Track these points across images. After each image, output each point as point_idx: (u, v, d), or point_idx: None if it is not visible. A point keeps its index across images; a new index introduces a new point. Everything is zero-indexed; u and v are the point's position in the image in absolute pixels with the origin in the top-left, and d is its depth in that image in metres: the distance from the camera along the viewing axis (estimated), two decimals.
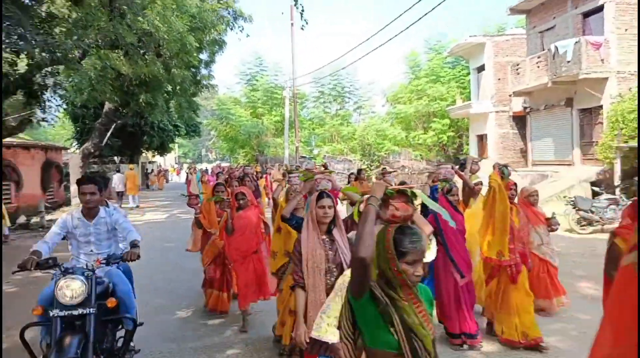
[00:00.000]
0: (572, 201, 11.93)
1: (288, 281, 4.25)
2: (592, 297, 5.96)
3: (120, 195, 20.12)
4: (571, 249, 9.46)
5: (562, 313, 5.53)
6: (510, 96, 20.96)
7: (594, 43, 15.49)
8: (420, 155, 28.74)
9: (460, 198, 5.25)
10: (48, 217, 15.36)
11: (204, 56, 18.84)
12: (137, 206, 19.64)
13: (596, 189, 13.53)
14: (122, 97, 16.49)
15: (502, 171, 5.00)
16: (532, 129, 20.41)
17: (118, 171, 21.30)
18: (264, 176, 17.34)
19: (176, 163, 59.06)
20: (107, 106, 19.41)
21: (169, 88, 18.62)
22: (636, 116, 14.41)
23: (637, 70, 15.69)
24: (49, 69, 12.57)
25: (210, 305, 5.90)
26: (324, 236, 3.26)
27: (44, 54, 11.28)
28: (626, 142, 14.50)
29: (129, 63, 13.19)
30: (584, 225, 11.52)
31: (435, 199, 6.07)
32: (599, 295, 6.50)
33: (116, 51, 13.31)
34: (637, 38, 14.81)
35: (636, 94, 14.78)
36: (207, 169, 22.68)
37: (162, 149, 31.65)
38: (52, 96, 13.75)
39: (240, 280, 5.32)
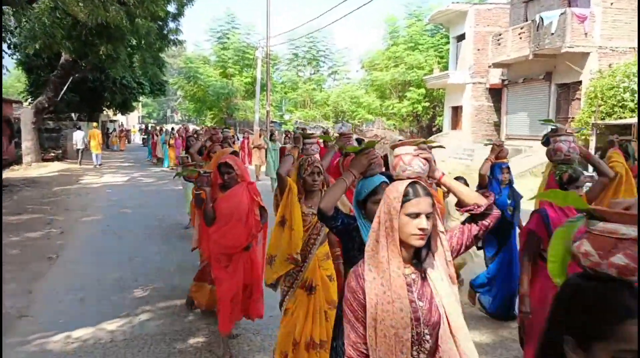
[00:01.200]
0: None
1: (297, 298, 3.18)
2: None
3: (80, 153, 19.40)
4: None
5: None
6: (489, 67, 20.53)
7: (580, 15, 15.10)
8: (394, 124, 28.30)
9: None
10: None
11: (171, 8, 17.43)
12: (100, 165, 18.65)
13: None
14: (79, 47, 15.11)
15: (624, 148, 3.60)
16: (508, 103, 20.19)
17: (79, 129, 20.07)
18: (242, 141, 16.34)
19: (139, 123, 56.70)
20: (64, 57, 17.92)
21: (133, 42, 17.26)
22: (615, 92, 14.24)
23: (618, 46, 15.51)
24: None
25: (207, 304, 4.49)
26: (408, 269, 1.70)
27: None
28: (603, 119, 14.37)
29: (87, 9, 11.87)
30: None
31: (498, 183, 4.61)
32: None
33: None
34: (637, 13, 14.50)
35: (615, 71, 14.59)
36: (173, 130, 21.51)
37: (125, 108, 29.87)
38: None
39: (222, 291, 3.78)
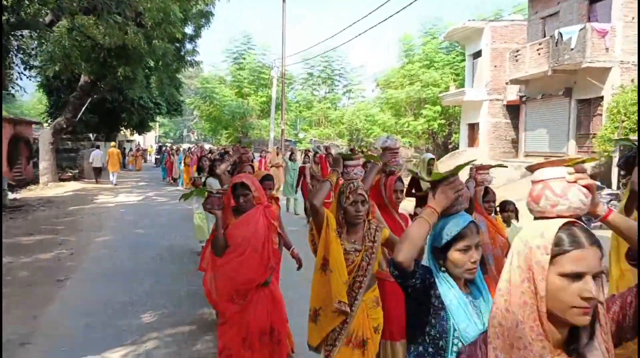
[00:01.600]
0: None
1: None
2: None
3: (98, 171, 19.87)
4: None
5: None
6: (506, 83, 20.25)
7: (600, 30, 14.79)
8: (410, 142, 28.06)
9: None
10: (13, 196, 14.21)
11: (188, 30, 17.71)
12: (115, 184, 18.85)
13: (597, 183, 12.96)
14: (98, 69, 15.40)
15: None
16: (527, 119, 19.81)
17: (97, 148, 20.44)
18: (259, 160, 16.16)
19: (156, 143, 57.43)
20: (83, 78, 18.26)
21: (151, 63, 17.50)
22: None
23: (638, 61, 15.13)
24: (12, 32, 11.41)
25: None
26: (560, 357, 1.12)
27: (6, 14, 10.14)
28: (626, 135, 13.92)
29: (106, 31, 12.05)
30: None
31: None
32: None
33: (92, 17, 12.18)
34: (637, 27, 14.16)
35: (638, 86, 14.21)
36: (189, 150, 21.56)
37: (142, 128, 30.27)
38: (13, 62, 12.55)
39: (232, 336, 3.14)
